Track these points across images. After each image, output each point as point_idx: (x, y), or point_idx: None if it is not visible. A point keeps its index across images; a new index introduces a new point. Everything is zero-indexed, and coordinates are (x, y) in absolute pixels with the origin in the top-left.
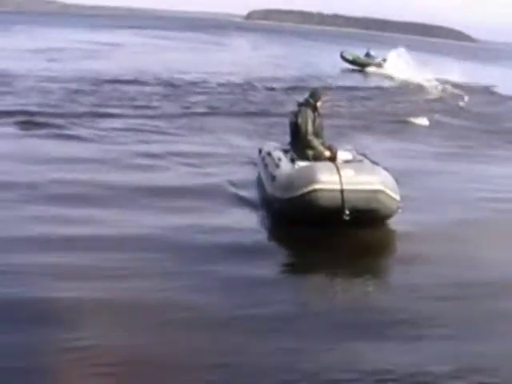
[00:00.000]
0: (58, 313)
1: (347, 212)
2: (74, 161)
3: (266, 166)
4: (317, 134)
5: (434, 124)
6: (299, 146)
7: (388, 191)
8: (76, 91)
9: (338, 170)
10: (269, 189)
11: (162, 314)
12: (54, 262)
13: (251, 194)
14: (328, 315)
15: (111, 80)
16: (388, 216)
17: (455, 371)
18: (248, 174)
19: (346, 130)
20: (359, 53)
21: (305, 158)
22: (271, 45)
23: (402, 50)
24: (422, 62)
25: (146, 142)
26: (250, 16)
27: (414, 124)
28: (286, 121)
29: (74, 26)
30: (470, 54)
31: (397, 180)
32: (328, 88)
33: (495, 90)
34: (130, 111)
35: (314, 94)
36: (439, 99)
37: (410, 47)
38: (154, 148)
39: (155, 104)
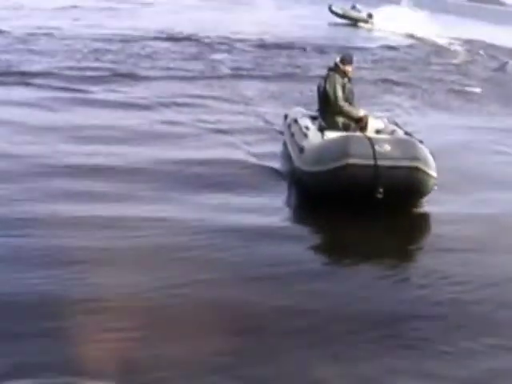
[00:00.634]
0: None
1: (381, 190)
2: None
3: (292, 135)
4: (347, 101)
5: (488, 91)
6: (328, 113)
7: (425, 168)
8: (101, 51)
9: (372, 143)
10: (296, 161)
11: None
12: None
13: (277, 165)
14: None
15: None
16: (424, 194)
17: None
18: (273, 144)
19: (383, 97)
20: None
21: (334, 126)
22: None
23: (404, 5)
24: (431, 21)
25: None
26: None
27: (464, 91)
28: (313, 86)
29: None
30: (498, 17)
31: (433, 154)
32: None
33: None
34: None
35: (344, 59)
36: (472, 62)
37: (421, 5)
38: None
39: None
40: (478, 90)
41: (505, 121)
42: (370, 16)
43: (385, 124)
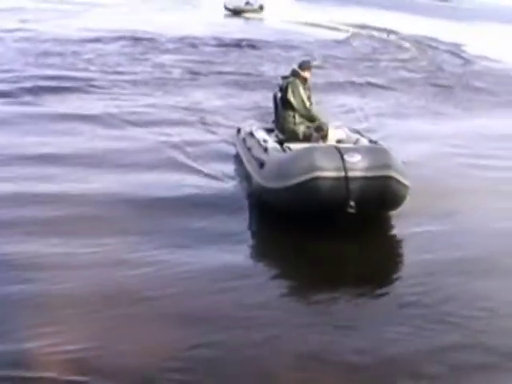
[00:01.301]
0: None
1: (352, 204)
2: None
3: (249, 149)
4: None
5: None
6: (287, 123)
7: (399, 177)
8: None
9: (341, 153)
10: (256, 177)
11: None
12: None
13: (233, 184)
14: None
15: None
16: (398, 205)
17: None
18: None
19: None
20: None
21: (294, 137)
22: None
23: None
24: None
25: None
26: None
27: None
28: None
29: None
30: (441, 12)
31: (404, 162)
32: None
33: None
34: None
35: (303, 64)
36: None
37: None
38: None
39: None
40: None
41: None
42: (261, 7)
43: (346, 133)
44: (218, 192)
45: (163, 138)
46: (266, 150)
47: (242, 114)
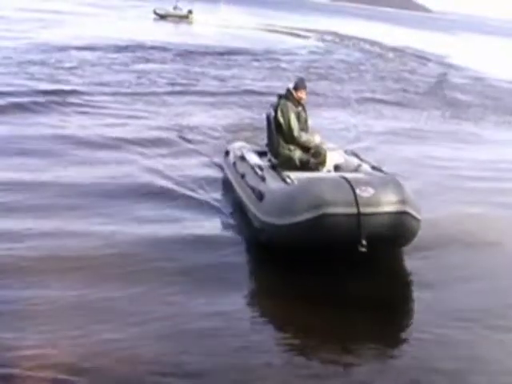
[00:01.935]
0: None
1: (364, 243)
2: None
3: (242, 176)
4: (302, 131)
5: None
6: (281, 148)
7: (413, 212)
8: None
9: (352, 187)
10: (254, 210)
11: None
12: None
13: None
14: None
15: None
16: (410, 241)
17: None
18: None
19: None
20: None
21: (289, 163)
22: None
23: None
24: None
25: None
26: None
27: None
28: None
29: None
30: (421, 22)
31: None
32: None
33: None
34: None
35: (297, 84)
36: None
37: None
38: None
39: None
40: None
41: None
42: (190, 12)
43: (344, 157)
44: (209, 226)
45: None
46: (263, 179)
47: None
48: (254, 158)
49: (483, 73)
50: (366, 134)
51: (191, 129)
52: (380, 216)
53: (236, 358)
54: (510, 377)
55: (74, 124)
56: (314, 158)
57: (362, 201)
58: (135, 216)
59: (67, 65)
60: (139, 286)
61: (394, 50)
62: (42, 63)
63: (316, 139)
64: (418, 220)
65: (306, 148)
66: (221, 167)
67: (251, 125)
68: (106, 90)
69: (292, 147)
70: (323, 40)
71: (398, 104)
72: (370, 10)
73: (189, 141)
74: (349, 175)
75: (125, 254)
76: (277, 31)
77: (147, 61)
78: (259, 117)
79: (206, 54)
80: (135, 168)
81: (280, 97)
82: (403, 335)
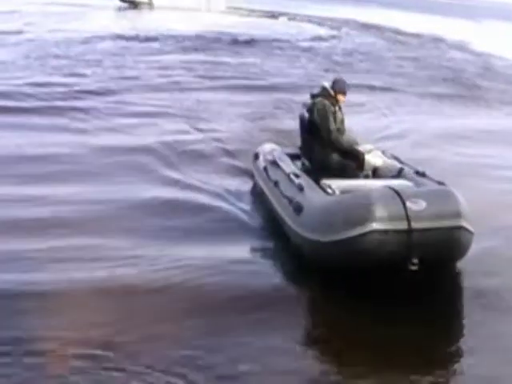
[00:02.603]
0: None
1: (415, 261)
2: None
3: (275, 184)
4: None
5: None
6: (317, 152)
7: (468, 226)
8: None
9: (402, 200)
10: (292, 224)
11: None
12: None
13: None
14: None
15: None
16: (463, 256)
17: None
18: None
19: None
20: None
21: (326, 168)
22: None
23: None
24: None
25: None
26: None
27: None
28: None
29: None
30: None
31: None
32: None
33: None
34: None
35: (337, 86)
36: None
37: None
38: None
39: None
40: None
41: None
42: None
43: (383, 159)
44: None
45: None
46: (300, 188)
47: None
48: (287, 163)
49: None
50: (406, 132)
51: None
52: (433, 232)
53: None
54: None
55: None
56: (352, 162)
57: (413, 215)
58: None
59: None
60: None
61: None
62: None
63: (354, 141)
64: (472, 234)
65: (343, 151)
66: (251, 173)
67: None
68: None
69: (329, 150)
70: (340, 28)
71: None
72: None
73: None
74: (396, 184)
75: None
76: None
77: None
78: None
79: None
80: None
81: (313, 96)
82: None
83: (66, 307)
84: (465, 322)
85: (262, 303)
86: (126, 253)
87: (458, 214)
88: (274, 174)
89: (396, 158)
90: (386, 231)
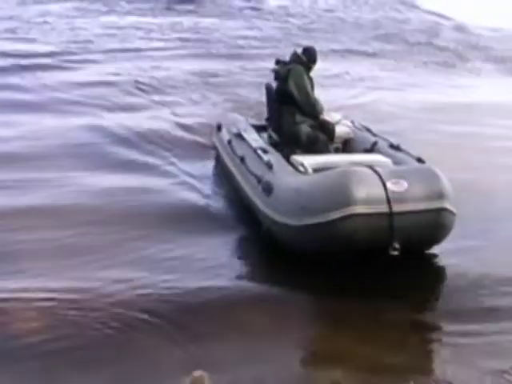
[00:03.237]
0: None
1: (396, 246)
2: None
3: (242, 159)
4: None
5: None
6: (287, 123)
7: (451, 207)
8: None
9: (382, 180)
10: (261, 206)
11: None
12: None
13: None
14: None
15: None
16: (444, 239)
17: None
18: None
19: None
20: None
21: (296, 140)
22: None
23: None
24: None
25: None
26: None
27: None
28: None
29: None
30: None
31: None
32: None
33: None
34: None
35: (308, 53)
36: None
37: None
38: None
39: None
40: None
41: None
42: None
43: (353, 131)
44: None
45: None
46: (269, 166)
47: None
48: (253, 137)
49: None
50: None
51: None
52: (416, 215)
53: None
54: None
55: None
56: (323, 135)
57: (395, 197)
58: None
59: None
60: None
61: None
62: None
63: (334, 117)
64: (455, 215)
65: (316, 122)
66: (213, 145)
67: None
68: None
69: (299, 119)
70: None
71: (382, 56)
72: None
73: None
74: (372, 161)
75: None
76: None
77: None
78: None
79: None
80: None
81: (285, 63)
82: None
83: None
84: None
85: None
86: None
87: (441, 195)
88: (239, 148)
89: (367, 129)
90: (365, 215)
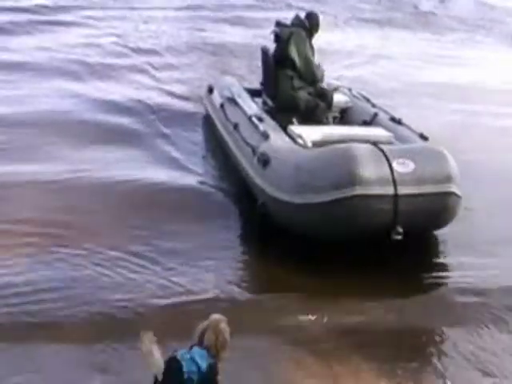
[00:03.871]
0: None
1: (400, 230)
2: None
3: (235, 126)
4: None
5: None
6: (284, 89)
7: (458, 190)
8: None
9: (387, 160)
10: (257, 179)
11: None
12: None
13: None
14: None
15: None
16: (448, 223)
17: None
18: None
19: None
20: None
21: (293, 107)
22: None
23: None
24: None
25: None
26: None
27: None
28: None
29: None
30: None
31: None
32: None
33: None
34: None
35: (313, 19)
36: None
37: None
38: None
39: None
40: None
41: None
42: None
43: (352, 100)
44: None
45: None
46: (266, 136)
47: None
48: (248, 103)
49: None
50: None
51: None
52: (421, 198)
53: None
54: None
55: None
56: (321, 101)
57: (400, 178)
58: None
59: None
60: None
61: None
62: None
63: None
64: (460, 198)
65: (316, 89)
66: (204, 106)
67: None
68: None
69: (297, 85)
70: None
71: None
72: None
73: None
74: (374, 135)
75: None
76: None
77: None
78: None
79: None
80: None
81: (283, 26)
82: None
83: None
84: None
85: None
86: None
87: (448, 179)
88: (232, 114)
89: (366, 99)
90: (369, 196)
